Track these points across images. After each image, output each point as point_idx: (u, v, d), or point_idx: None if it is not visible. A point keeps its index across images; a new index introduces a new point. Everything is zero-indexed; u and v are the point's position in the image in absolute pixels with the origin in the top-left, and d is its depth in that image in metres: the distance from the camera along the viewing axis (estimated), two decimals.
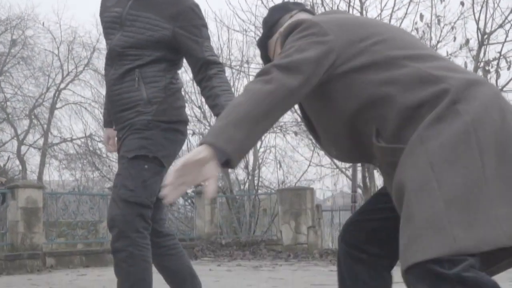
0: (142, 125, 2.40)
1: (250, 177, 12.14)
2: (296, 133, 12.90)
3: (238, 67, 12.22)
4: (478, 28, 10.09)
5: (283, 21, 1.83)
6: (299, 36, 1.63)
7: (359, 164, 12.33)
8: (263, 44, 1.86)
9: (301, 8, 1.88)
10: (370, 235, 1.76)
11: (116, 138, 2.59)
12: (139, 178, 2.33)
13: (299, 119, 12.51)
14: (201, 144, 1.47)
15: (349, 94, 1.62)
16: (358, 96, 1.61)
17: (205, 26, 2.44)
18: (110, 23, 2.46)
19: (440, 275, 1.42)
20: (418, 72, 1.58)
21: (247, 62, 12.25)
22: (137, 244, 2.31)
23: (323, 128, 1.73)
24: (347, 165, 12.51)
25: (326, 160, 12.32)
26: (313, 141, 13.38)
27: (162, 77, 2.44)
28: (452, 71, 1.61)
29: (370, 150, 1.63)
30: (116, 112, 2.45)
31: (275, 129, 12.60)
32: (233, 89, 12.79)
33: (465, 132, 1.50)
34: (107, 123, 2.64)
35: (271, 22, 1.84)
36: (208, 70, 2.41)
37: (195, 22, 2.41)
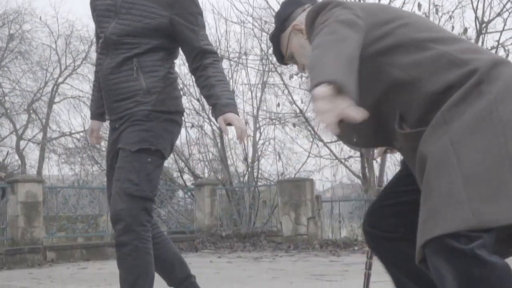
0: (143, 116, 2.39)
1: (249, 169, 12.14)
2: (294, 125, 12.89)
3: (236, 59, 12.20)
4: (476, 17, 10.07)
5: (296, 14, 1.84)
6: (333, 9, 1.61)
7: (358, 154, 12.33)
8: (276, 38, 1.86)
9: (313, 2, 1.89)
10: (399, 219, 1.77)
11: (99, 131, 2.62)
12: (143, 171, 2.33)
13: (297, 111, 12.52)
14: (315, 85, 1.40)
15: (375, 78, 1.62)
16: (384, 79, 1.61)
17: (201, 14, 2.44)
18: (104, 11, 2.44)
19: (456, 250, 1.43)
20: (445, 55, 1.59)
21: (245, 53, 12.23)
22: (142, 237, 2.32)
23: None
24: (346, 156, 12.54)
25: (325, 151, 12.34)
26: (312, 132, 13.38)
27: (161, 66, 2.43)
28: (477, 52, 1.62)
29: (393, 135, 1.64)
30: (112, 101, 2.42)
31: (273, 120, 12.60)
32: (231, 81, 12.77)
33: (487, 110, 1.51)
34: (94, 115, 2.63)
35: (284, 16, 1.84)
36: (203, 59, 2.40)
37: (191, 10, 2.40)
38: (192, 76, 2.52)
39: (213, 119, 11.36)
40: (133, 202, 2.30)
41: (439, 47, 1.61)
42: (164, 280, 2.58)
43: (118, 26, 2.38)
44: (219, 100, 2.33)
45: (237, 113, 2.34)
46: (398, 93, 1.60)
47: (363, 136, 1.74)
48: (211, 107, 2.41)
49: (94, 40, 2.74)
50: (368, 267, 2.46)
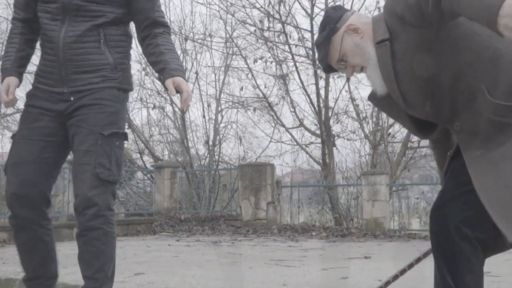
0: (112, 96, 2.30)
1: (210, 153, 12.08)
2: (255, 109, 12.87)
3: (200, 40, 12.05)
4: None
5: (347, 16, 1.94)
6: None
7: (319, 140, 12.41)
8: (327, 40, 1.94)
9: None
10: (476, 214, 1.77)
11: (15, 88, 2.34)
12: (113, 155, 2.27)
13: (260, 95, 12.49)
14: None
15: (462, 45, 1.72)
16: (473, 47, 1.70)
17: None
18: None
19: None
20: None
21: (210, 35, 12.10)
22: (110, 221, 2.27)
23: (425, 81, 1.81)
24: (307, 142, 12.60)
25: (286, 136, 12.37)
26: (274, 117, 13.39)
27: (126, 42, 2.38)
28: None
29: (467, 108, 1.72)
30: (72, 73, 2.29)
31: (236, 104, 12.54)
32: (194, 63, 12.63)
33: None
34: (14, 72, 2.35)
35: (336, 18, 1.94)
36: (154, 28, 2.37)
37: None
38: (140, 46, 2.45)
39: (176, 100, 11.19)
40: (105, 187, 2.25)
41: None
42: (33, 267, 2.39)
43: None
44: (168, 65, 2.31)
45: (185, 79, 2.32)
46: (485, 63, 1.69)
47: (434, 104, 1.83)
48: (158, 72, 2.35)
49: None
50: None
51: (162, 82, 2.33)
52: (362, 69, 1.93)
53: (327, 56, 1.94)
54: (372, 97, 2.00)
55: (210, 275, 4.07)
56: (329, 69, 2.02)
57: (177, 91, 2.28)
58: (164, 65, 2.30)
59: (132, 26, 2.46)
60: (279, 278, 3.94)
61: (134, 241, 7.49)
